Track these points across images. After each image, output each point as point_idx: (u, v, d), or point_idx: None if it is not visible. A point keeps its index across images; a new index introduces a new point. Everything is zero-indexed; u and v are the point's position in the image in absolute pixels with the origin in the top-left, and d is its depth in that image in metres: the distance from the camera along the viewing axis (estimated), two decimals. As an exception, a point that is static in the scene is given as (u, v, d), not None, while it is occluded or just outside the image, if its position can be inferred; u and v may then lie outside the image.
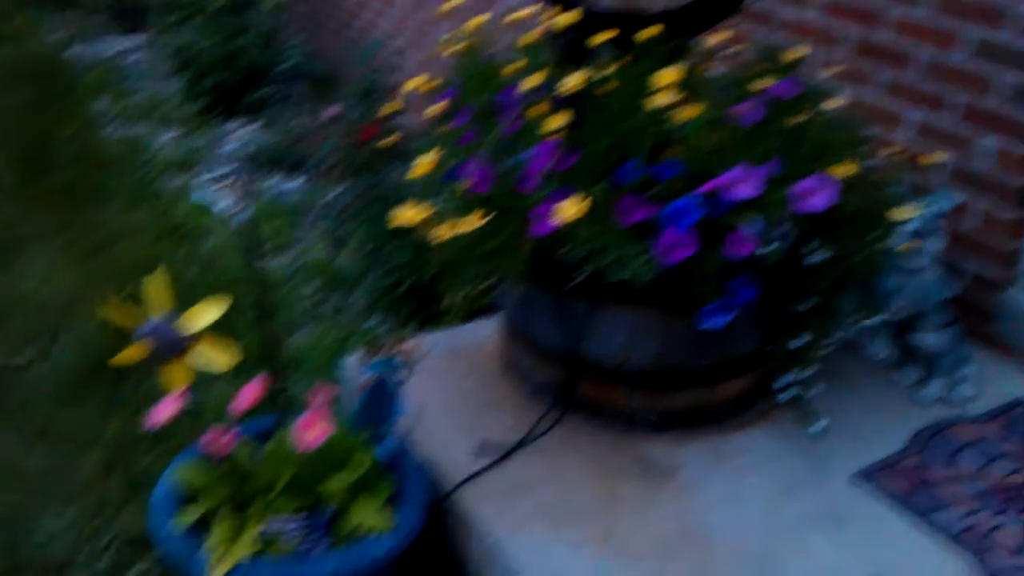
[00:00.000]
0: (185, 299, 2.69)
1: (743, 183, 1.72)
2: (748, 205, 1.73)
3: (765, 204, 1.74)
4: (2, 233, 3.50)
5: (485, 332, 2.40)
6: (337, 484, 1.76)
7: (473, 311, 2.95)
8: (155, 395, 2.39)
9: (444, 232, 1.76)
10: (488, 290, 2.96)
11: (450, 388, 2.19)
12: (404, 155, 3.28)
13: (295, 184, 4.06)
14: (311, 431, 1.70)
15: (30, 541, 2.11)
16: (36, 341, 2.86)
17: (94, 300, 3.07)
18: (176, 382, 1.72)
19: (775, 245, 1.75)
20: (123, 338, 2.87)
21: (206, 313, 1.70)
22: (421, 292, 3.02)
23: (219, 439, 1.72)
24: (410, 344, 1.79)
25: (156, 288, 1.68)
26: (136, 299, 3.11)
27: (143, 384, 2.62)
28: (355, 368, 2.23)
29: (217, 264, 3.31)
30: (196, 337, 1.71)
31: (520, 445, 1.99)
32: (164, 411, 1.70)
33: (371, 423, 1.85)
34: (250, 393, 1.73)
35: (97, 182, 3.88)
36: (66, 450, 2.40)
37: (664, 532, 1.79)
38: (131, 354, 1.71)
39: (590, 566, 1.70)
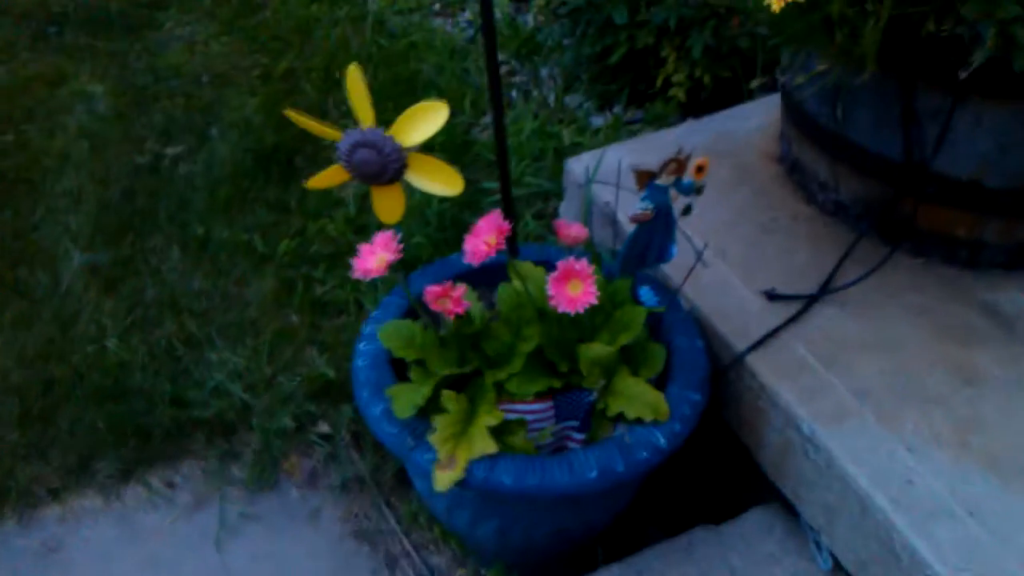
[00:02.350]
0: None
1: None
2: None
3: None
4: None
5: (750, 123, 1.83)
6: (599, 353, 1.29)
7: (697, 90, 2.36)
8: (330, 203, 1.95)
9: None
10: (722, 58, 2.35)
11: (714, 202, 1.64)
12: None
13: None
14: (573, 287, 1.21)
15: (198, 390, 1.76)
16: (187, 127, 2.44)
17: (249, 74, 2.62)
18: (388, 212, 1.25)
19: None
20: (286, 126, 2.43)
21: (424, 122, 1.19)
22: (635, 63, 2.44)
23: (449, 293, 1.25)
24: (701, 160, 1.25)
25: (355, 88, 1.17)
26: (296, 74, 2.66)
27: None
28: (579, 173, 1.71)
29: (387, 26, 2.77)
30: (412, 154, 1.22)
31: (824, 291, 1.47)
32: (374, 255, 1.24)
33: (639, 266, 1.36)
34: (490, 229, 1.23)
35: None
36: (232, 269, 2.01)
37: (1050, 427, 1.28)
38: (330, 177, 1.24)
39: (954, 483, 1.20)
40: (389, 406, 1.29)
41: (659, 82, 2.39)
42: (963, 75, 1.19)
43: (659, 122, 2.34)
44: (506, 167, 1.36)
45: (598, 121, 2.39)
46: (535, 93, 2.49)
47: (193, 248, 2.06)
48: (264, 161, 2.28)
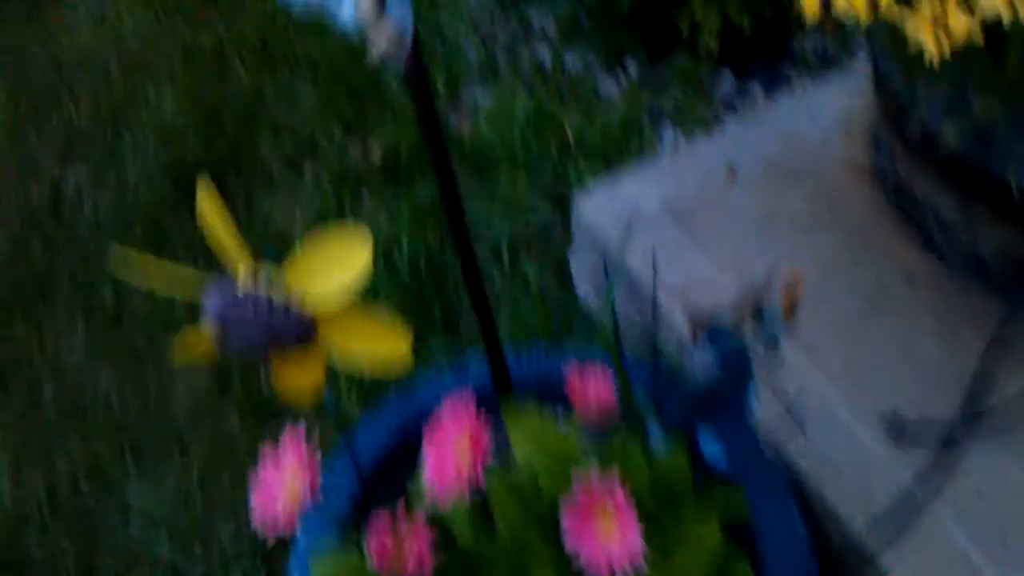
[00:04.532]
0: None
1: None
2: None
3: None
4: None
5: (825, 115, 1.31)
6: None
7: (731, 35, 1.83)
8: (279, 235, 1.45)
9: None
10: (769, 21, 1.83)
11: (789, 254, 1.16)
12: None
13: None
14: (605, 527, 0.74)
15: (112, 551, 1.32)
16: (91, 138, 1.94)
17: (168, 54, 2.11)
18: (296, 386, 0.74)
19: None
20: (213, 128, 1.94)
21: (334, 261, 0.68)
22: (651, 7, 1.89)
23: (408, 546, 0.78)
24: (792, 276, 0.76)
25: (210, 216, 0.67)
26: (226, 51, 2.12)
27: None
28: (592, 218, 1.20)
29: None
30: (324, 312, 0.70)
31: (975, 413, 0.99)
32: (282, 484, 0.77)
33: (701, 424, 0.89)
34: (459, 431, 0.75)
35: None
36: (150, 355, 1.54)
37: None
38: (195, 346, 0.72)
39: None
40: None
41: (684, 30, 1.86)
42: None
43: (689, 82, 1.83)
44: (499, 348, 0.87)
45: (608, 87, 1.86)
46: (525, 54, 1.96)
47: (100, 325, 1.59)
48: (186, 183, 1.78)
